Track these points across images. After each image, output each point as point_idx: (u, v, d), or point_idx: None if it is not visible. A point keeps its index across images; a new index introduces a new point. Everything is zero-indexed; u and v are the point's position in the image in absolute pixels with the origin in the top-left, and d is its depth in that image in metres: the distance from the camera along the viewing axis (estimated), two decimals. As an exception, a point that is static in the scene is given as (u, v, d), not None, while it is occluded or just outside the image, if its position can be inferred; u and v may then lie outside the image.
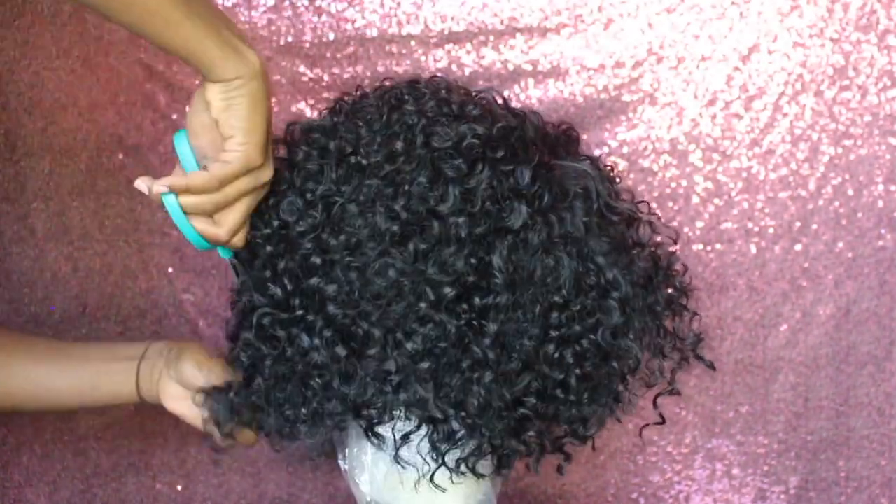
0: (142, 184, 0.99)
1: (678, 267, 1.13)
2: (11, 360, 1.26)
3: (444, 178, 0.96)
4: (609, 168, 1.11)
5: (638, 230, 1.08)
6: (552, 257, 0.98)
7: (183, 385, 1.20)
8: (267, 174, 1.00)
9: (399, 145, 0.98)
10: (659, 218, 1.13)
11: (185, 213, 0.98)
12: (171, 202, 0.98)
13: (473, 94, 1.07)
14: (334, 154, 1.01)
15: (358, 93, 1.09)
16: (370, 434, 1.04)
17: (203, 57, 0.95)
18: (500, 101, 1.09)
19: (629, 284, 1.01)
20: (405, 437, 1.03)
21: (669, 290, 1.11)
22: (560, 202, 1.00)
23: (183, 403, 1.21)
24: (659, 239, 1.12)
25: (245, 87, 0.96)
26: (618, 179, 1.11)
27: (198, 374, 1.19)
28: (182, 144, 0.99)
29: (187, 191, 0.97)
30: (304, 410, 1.04)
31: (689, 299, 1.13)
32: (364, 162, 0.99)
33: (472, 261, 0.96)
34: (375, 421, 1.03)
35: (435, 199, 0.96)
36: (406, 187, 0.97)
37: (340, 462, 1.16)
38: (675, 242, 1.15)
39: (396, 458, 1.04)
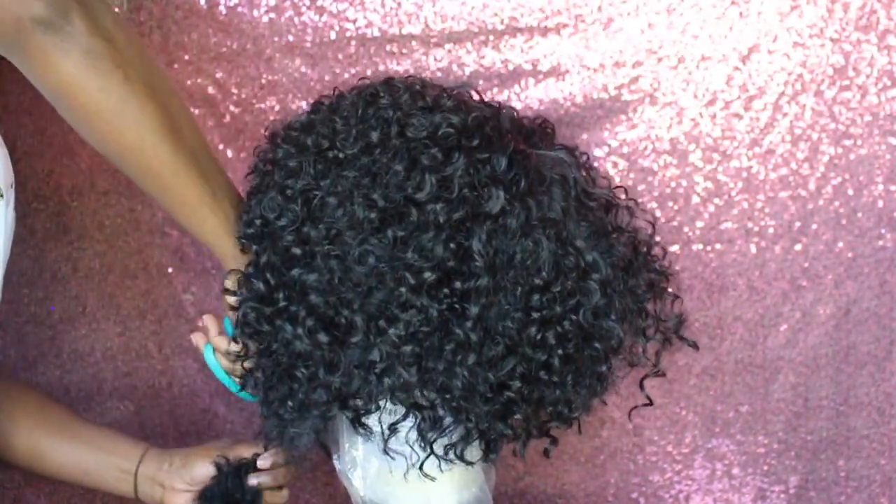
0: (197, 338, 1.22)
1: (657, 251, 1.14)
2: (21, 421, 1.31)
3: (421, 167, 0.97)
4: (584, 156, 1.12)
5: (616, 216, 1.10)
6: (531, 240, 0.99)
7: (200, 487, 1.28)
8: None
9: (375, 136, 0.99)
10: (637, 202, 1.14)
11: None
12: (210, 359, 1.19)
13: (449, 89, 1.08)
14: (312, 149, 1.02)
15: (336, 94, 1.10)
16: (357, 425, 1.05)
17: (219, 253, 1.11)
18: (476, 96, 1.11)
19: (609, 266, 1.03)
20: (393, 427, 1.04)
21: (650, 274, 1.12)
22: (537, 188, 1.01)
23: None
24: (641, 225, 1.13)
25: None
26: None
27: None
28: (209, 356, 1.20)
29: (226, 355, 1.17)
30: (290, 403, 1.06)
31: (668, 282, 1.15)
32: (341, 155, 1.00)
33: (452, 246, 0.97)
34: (362, 411, 1.04)
35: (412, 187, 0.97)
36: (383, 177, 0.98)
37: (335, 461, 1.16)
38: (654, 227, 1.16)
39: (386, 450, 1.05)
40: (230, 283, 1.10)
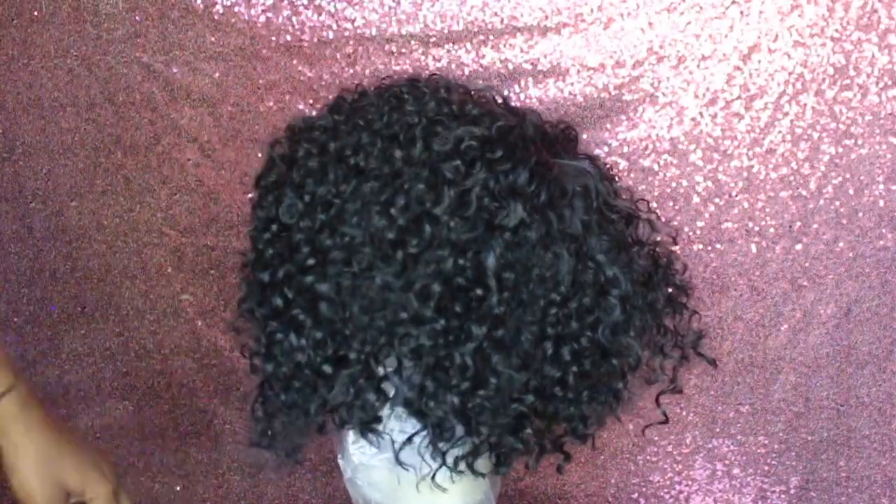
0: None
1: (677, 265, 1.13)
2: None
3: (442, 180, 0.96)
4: (608, 167, 1.10)
5: (637, 229, 1.08)
6: (551, 254, 0.98)
7: None
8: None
9: (398, 154, 0.98)
10: (658, 216, 1.13)
11: None
12: None
13: (473, 93, 1.06)
14: (334, 155, 1.01)
15: (358, 91, 1.09)
16: (366, 432, 1.04)
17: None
18: (499, 99, 1.09)
19: (629, 282, 1.01)
20: (410, 439, 1.03)
21: (669, 289, 1.10)
22: (559, 200, 1.00)
23: None
24: (658, 237, 1.12)
25: None
26: (618, 179, 1.11)
27: None
28: None
29: None
30: (289, 411, 1.05)
31: (689, 297, 1.13)
32: (363, 164, 0.99)
33: (463, 261, 0.96)
34: (365, 421, 1.03)
35: (430, 201, 0.96)
36: (404, 189, 0.97)
37: (339, 461, 1.16)
38: (675, 241, 1.15)
39: (398, 460, 1.04)
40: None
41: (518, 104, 1.46)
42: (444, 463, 1.03)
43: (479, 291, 0.96)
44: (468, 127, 0.98)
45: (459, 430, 1.01)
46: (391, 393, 1.00)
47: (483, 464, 1.05)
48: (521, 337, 0.98)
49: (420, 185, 0.97)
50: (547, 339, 0.98)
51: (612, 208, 1.03)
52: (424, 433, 1.03)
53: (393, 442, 1.04)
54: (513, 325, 0.97)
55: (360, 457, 1.10)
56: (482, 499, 1.10)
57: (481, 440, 1.01)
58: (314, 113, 1.10)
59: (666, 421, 1.15)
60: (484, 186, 0.96)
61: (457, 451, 1.03)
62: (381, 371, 0.99)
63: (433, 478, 1.04)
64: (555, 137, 1.08)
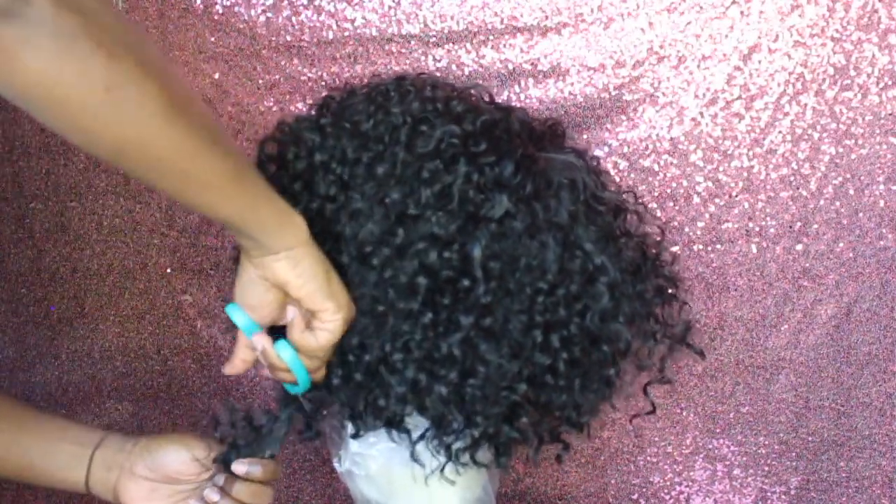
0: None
1: (666, 256, 1.13)
2: None
3: (421, 180, 0.97)
4: (594, 160, 1.11)
5: (625, 220, 1.09)
6: (536, 243, 0.98)
7: (163, 478, 1.08)
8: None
9: (381, 169, 0.98)
10: (646, 207, 1.13)
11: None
12: (293, 358, 1.00)
13: (459, 90, 1.07)
14: (320, 166, 1.01)
15: (346, 90, 1.09)
16: (394, 428, 1.04)
17: (258, 227, 0.92)
18: (486, 97, 1.10)
19: (617, 270, 1.02)
20: (422, 435, 1.04)
21: (658, 279, 1.11)
22: (545, 191, 1.00)
23: None
24: (647, 229, 1.12)
25: (308, 255, 0.95)
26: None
27: (189, 461, 1.08)
28: (237, 315, 0.99)
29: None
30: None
31: (677, 288, 1.14)
32: (347, 177, 0.99)
33: (448, 254, 0.96)
34: (392, 420, 1.04)
35: (414, 202, 0.97)
36: (386, 192, 0.97)
37: (335, 464, 1.16)
38: (663, 233, 1.15)
39: (413, 456, 1.05)
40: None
41: (518, 104, 1.47)
42: (450, 457, 1.04)
43: (465, 282, 0.96)
44: (450, 126, 0.98)
45: (459, 422, 1.02)
46: (394, 394, 1.00)
47: (483, 454, 1.05)
48: (509, 325, 0.98)
49: (399, 189, 0.97)
50: (536, 327, 0.99)
51: (600, 200, 1.04)
52: (423, 427, 1.03)
53: (410, 434, 1.04)
54: (501, 314, 0.98)
55: (358, 447, 1.11)
56: (480, 494, 1.10)
57: (479, 432, 1.02)
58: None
59: (654, 411, 1.16)
60: (467, 180, 0.97)
61: (458, 444, 1.04)
62: (383, 371, 1.00)
63: (442, 471, 1.05)
64: (542, 133, 1.09)
